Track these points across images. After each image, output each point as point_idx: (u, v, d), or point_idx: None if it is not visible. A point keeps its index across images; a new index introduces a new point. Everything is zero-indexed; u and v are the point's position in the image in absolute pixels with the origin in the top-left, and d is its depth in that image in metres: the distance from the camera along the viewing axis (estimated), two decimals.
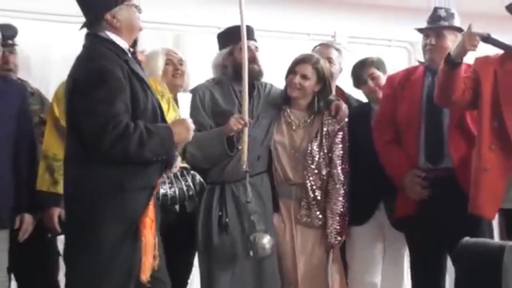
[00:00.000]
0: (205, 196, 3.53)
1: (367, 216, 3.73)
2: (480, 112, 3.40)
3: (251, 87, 3.58)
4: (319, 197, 3.59)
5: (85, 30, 2.97)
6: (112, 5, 2.92)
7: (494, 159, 3.31)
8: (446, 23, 3.61)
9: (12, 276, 3.64)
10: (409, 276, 3.78)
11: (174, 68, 3.73)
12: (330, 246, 3.60)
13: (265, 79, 3.77)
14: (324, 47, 4.01)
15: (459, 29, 3.60)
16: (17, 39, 3.74)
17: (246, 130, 3.43)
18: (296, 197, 3.61)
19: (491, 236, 3.48)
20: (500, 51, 3.41)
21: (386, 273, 3.78)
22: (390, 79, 3.77)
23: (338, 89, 4.03)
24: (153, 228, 2.90)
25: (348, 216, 3.64)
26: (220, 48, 3.75)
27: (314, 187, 3.59)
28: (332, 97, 3.74)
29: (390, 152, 3.63)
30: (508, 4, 3.43)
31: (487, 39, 3.27)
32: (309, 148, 3.61)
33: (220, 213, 3.51)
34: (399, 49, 5.70)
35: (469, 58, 3.49)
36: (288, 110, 3.70)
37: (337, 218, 3.59)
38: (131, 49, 3.04)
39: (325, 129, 3.65)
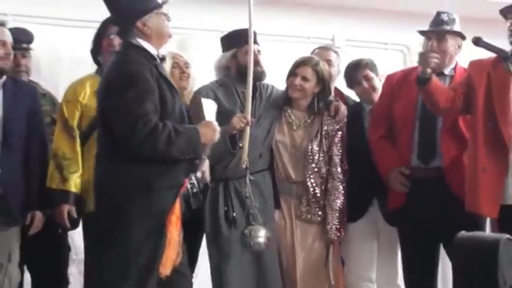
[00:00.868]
0: (210, 192, 3.55)
1: (361, 213, 3.75)
2: (474, 114, 3.43)
3: (254, 88, 3.57)
4: (318, 195, 3.64)
5: (91, 34, 3.07)
6: (143, 13, 3.02)
7: (490, 160, 3.35)
8: (448, 28, 3.63)
9: (25, 269, 3.69)
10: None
11: (181, 71, 3.77)
12: (330, 241, 3.64)
13: (267, 80, 3.80)
14: (323, 50, 4.05)
15: (460, 34, 3.65)
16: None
17: (248, 129, 3.45)
18: (296, 195, 3.66)
19: (483, 231, 3.50)
20: (493, 55, 3.44)
21: (381, 268, 3.80)
22: (390, 77, 3.80)
23: (337, 90, 4.07)
24: (178, 225, 2.98)
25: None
26: (223, 51, 3.78)
27: (314, 185, 3.63)
28: (331, 98, 3.77)
29: (382, 147, 3.67)
30: (502, 8, 3.47)
31: (478, 42, 3.31)
32: (309, 147, 3.65)
33: (225, 208, 3.54)
34: (395, 52, 5.70)
35: (464, 62, 3.59)
36: (289, 111, 3.74)
37: (337, 214, 3.63)
38: (160, 55, 3.13)
39: (324, 129, 3.69)
